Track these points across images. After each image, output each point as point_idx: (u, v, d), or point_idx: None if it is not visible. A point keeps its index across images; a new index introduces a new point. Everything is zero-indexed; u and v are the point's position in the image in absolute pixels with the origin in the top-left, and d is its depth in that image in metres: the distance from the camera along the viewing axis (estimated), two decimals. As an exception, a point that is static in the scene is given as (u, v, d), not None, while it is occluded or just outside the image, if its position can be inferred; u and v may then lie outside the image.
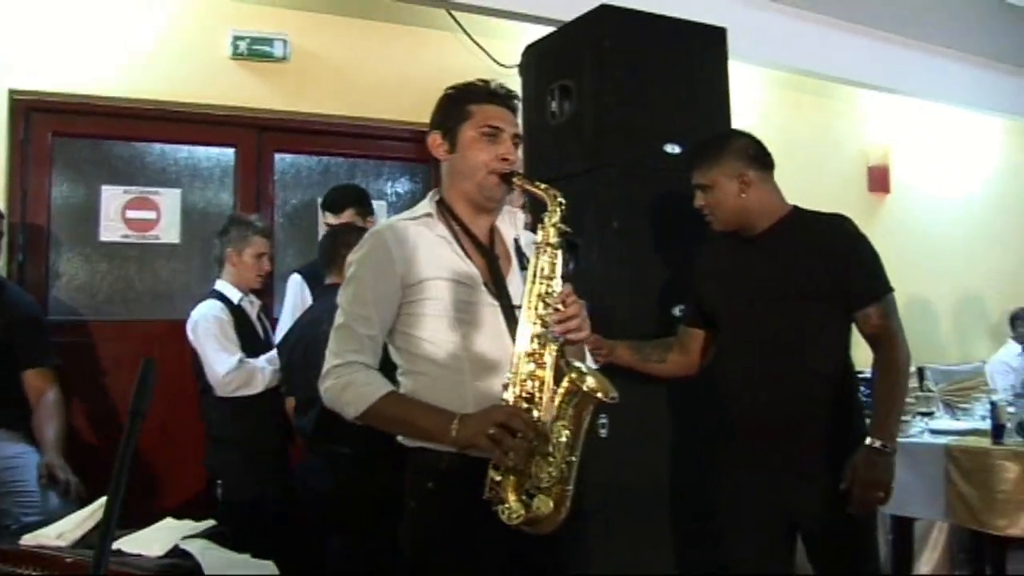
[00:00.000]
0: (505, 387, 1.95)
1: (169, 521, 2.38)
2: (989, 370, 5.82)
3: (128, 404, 3.60)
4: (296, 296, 3.88)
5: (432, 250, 2.07)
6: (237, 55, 4.16)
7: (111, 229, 4.11)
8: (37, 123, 3.95)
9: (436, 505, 2.02)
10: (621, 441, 3.16)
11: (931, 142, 6.54)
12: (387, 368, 2.12)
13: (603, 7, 3.34)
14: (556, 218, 2.04)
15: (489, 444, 1.86)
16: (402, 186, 4.80)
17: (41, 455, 3.15)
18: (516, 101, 2.20)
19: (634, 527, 3.20)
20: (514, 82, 3.69)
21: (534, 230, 2.11)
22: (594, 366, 2.27)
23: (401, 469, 2.11)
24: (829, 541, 2.60)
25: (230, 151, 4.36)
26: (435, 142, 2.18)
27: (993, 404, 3.65)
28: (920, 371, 4.79)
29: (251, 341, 3.70)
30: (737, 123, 3.36)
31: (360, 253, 2.11)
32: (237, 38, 4.14)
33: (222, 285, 3.73)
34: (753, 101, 4.97)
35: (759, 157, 2.71)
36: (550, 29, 3.85)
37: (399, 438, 2.10)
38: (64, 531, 2.31)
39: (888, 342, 2.59)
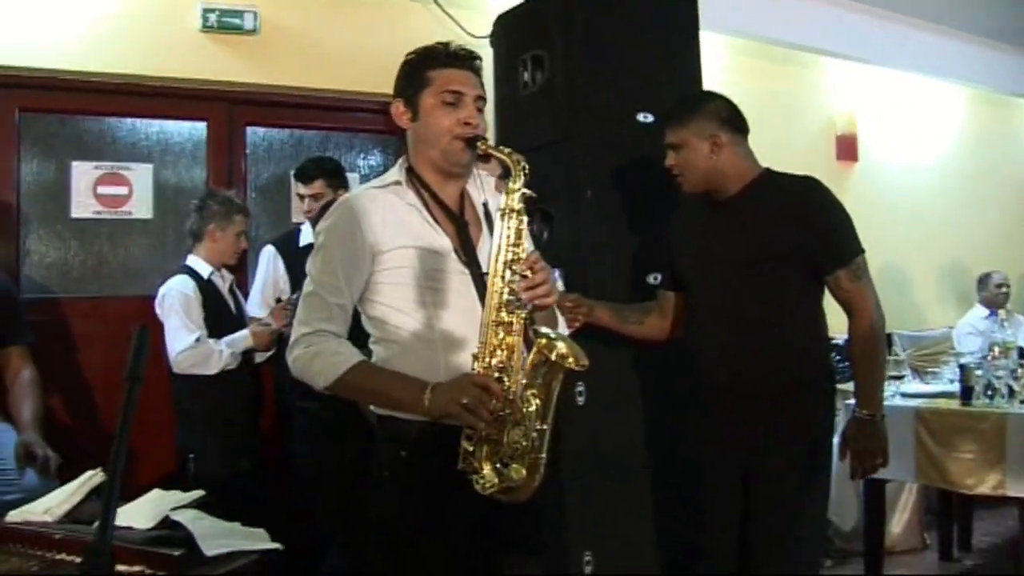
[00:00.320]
0: (475, 357, 1.95)
1: (157, 492, 2.37)
2: (956, 334, 5.92)
3: (101, 380, 3.57)
4: (268, 267, 3.89)
5: (401, 218, 2.07)
6: (207, 28, 4.10)
7: (82, 206, 4.07)
8: (3, 99, 3.88)
9: (410, 474, 2.03)
10: (597, 408, 3.20)
11: (897, 111, 6.60)
12: (358, 337, 2.11)
13: (574, -24, 3.34)
14: (520, 183, 2.01)
15: (462, 413, 1.86)
16: (375, 158, 4.78)
17: (18, 434, 3.15)
18: (478, 62, 2.18)
19: (612, 494, 3.25)
20: (485, 52, 3.69)
21: None
22: (566, 331, 2.26)
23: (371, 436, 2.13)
24: (776, 485, 2.59)
25: (202, 125, 4.31)
26: (398, 111, 2.16)
27: (962, 367, 3.71)
28: (888, 336, 4.86)
29: (222, 316, 3.71)
30: (708, 92, 3.37)
31: (328, 222, 2.11)
32: (207, 10, 4.08)
33: (193, 260, 3.73)
34: (722, 69, 4.97)
35: (732, 120, 2.70)
36: (521, -1, 3.85)
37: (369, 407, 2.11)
38: (50, 506, 2.27)
39: (860, 306, 2.58)
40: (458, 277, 2.06)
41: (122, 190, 4.14)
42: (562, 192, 3.32)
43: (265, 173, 4.55)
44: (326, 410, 3.29)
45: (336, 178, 3.89)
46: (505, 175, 2.08)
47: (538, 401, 1.93)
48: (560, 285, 3.07)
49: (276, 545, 2.14)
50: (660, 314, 2.94)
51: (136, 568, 1.94)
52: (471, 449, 1.93)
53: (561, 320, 2.29)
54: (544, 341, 1.93)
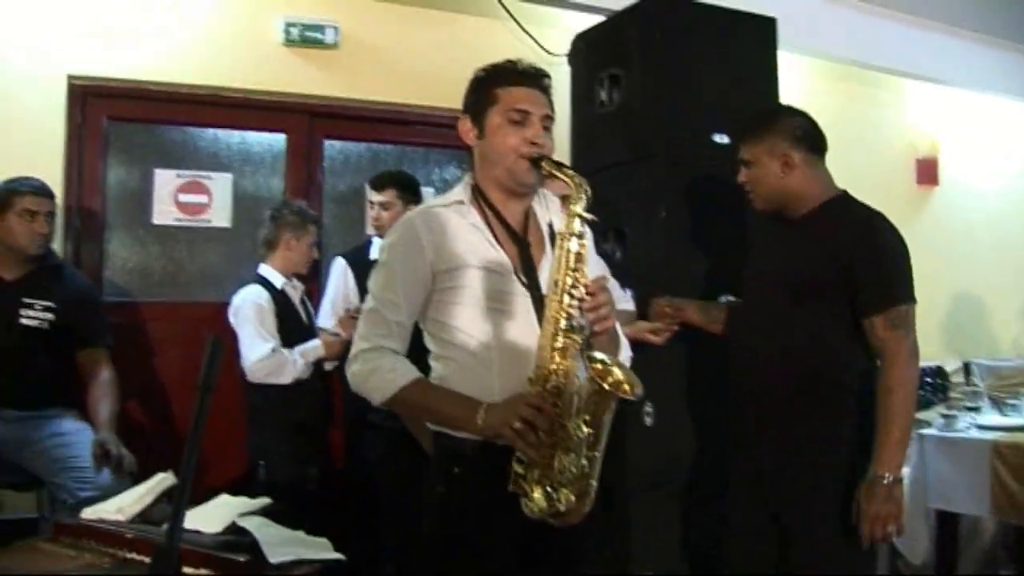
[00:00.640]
0: (531, 380, 1.92)
1: (225, 498, 2.40)
2: (1037, 364, 5.73)
3: (177, 384, 3.64)
4: (339, 280, 3.90)
5: (464, 237, 2.06)
6: (289, 41, 4.19)
7: (164, 212, 4.16)
8: (93, 107, 4.00)
9: (462, 490, 2.03)
10: (664, 428, 3.17)
11: (979, 134, 6.42)
12: (418, 351, 2.12)
13: (653, -4, 3.35)
14: (580, 206, 1.96)
15: (514, 437, 1.85)
16: (449, 173, 4.81)
17: (95, 432, 3.23)
18: (547, 80, 2.15)
19: (675, 512, 3.21)
20: (563, 71, 3.71)
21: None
22: (628, 356, 2.21)
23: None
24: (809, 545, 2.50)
25: (281, 137, 4.39)
26: (464, 127, 2.17)
27: (1043, 399, 3.60)
28: (967, 366, 4.73)
29: (293, 325, 3.75)
30: (786, 114, 3.33)
31: (391, 239, 2.11)
32: (289, 25, 4.17)
33: (266, 269, 3.79)
34: (800, 91, 4.91)
35: (807, 139, 2.62)
36: (600, 18, 3.85)
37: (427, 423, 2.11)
38: (123, 505, 2.33)
39: (891, 357, 2.40)
40: (518, 299, 2.04)
41: (202, 198, 4.23)
42: (636, 211, 3.31)
43: (341, 185, 4.60)
44: (396, 420, 3.31)
45: (408, 191, 3.88)
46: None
47: (590, 428, 1.88)
48: (631, 304, 3.06)
49: (339, 555, 2.16)
50: None
51: (202, 571, 1.98)
52: (522, 472, 1.91)
53: (624, 344, 2.23)
54: (600, 367, 1.89)
